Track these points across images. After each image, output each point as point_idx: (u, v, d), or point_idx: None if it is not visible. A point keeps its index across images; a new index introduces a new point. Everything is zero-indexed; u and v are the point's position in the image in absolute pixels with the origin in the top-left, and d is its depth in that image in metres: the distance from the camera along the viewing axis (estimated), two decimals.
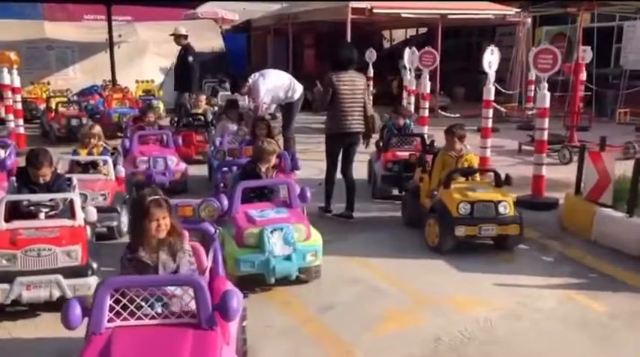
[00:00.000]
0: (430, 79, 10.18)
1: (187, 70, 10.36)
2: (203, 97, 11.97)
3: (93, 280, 3.90)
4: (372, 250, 5.34)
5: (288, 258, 4.28)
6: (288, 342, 3.72)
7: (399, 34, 22.29)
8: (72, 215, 4.19)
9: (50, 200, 4.31)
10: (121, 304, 2.56)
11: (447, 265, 5.00)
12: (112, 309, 2.54)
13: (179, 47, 10.92)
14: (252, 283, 4.34)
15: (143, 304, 2.58)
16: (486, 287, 4.57)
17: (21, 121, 10.14)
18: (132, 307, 2.55)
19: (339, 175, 6.43)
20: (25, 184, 4.49)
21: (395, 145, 7.25)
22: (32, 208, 4.25)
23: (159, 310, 2.63)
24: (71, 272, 3.90)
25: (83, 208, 4.31)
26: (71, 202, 4.25)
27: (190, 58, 10.33)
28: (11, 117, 9.94)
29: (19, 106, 10.24)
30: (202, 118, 9.88)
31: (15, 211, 4.22)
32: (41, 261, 3.88)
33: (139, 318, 2.57)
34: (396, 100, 12.89)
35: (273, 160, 5.20)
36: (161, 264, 2.88)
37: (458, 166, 5.69)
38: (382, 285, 4.61)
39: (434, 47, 10.76)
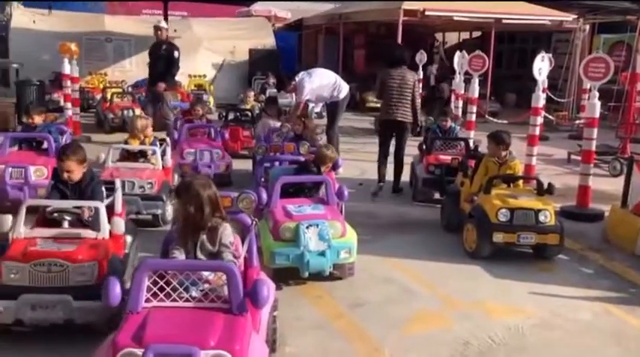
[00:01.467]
0: (481, 85, 10.07)
1: (171, 66, 9.51)
2: (251, 94, 12.22)
3: (104, 305, 3.27)
4: (407, 251, 5.35)
5: (322, 254, 4.36)
6: (317, 335, 3.79)
7: (452, 38, 22.04)
8: (97, 226, 3.78)
9: (75, 207, 3.87)
10: (158, 285, 2.69)
11: (482, 271, 4.97)
12: (149, 290, 2.67)
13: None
14: (286, 277, 4.43)
15: (179, 286, 2.70)
16: (521, 295, 4.53)
17: (78, 110, 10.56)
18: (168, 289, 2.68)
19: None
20: (57, 184, 4.08)
21: (438, 149, 7.23)
22: (56, 215, 3.83)
23: (193, 293, 2.75)
24: (83, 293, 3.38)
25: (110, 218, 3.86)
26: (96, 211, 3.83)
27: (177, 54, 9.58)
28: (69, 105, 10.38)
29: (77, 95, 10.67)
30: (249, 113, 10.08)
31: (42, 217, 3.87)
32: (51, 278, 3.41)
33: (174, 300, 2.70)
34: (444, 103, 12.79)
35: (331, 164, 5.46)
36: (199, 246, 3.00)
37: (501, 172, 5.64)
38: (414, 287, 4.63)
39: (487, 52, 10.64)
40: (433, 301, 4.38)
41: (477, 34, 20.09)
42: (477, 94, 9.62)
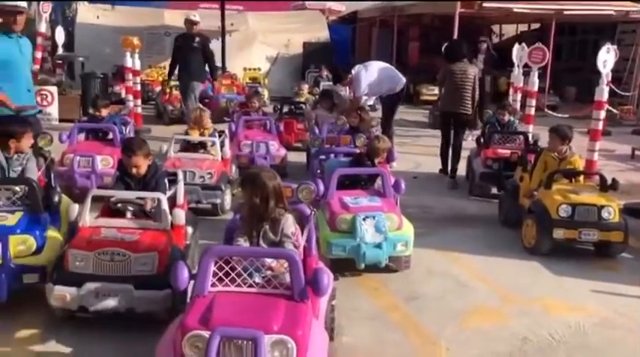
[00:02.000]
0: (540, 78, 9.81)
1: (211, 58, 9.41)
2: (305, 86, 12.30)
3: (165, 295, 3.45)
4: (464, 246, 5.31)
5: (378, 246, 4.38)
6: (373, 326, 3.82)
7: (510, 30, 21.52)
8: (159, 217, 3.86)
9: (138, 198, 3.96)
10: (224, 271, 2.78)
11: (541, 267, 4.88)
12: (215, 275, 2.77)
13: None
14: (343, 268, 4.47)
15: (243, 272, 2.78)
16: (582, 293, 4.42)
17: (139, 102, 10.90)
18: (233, 274, 2.77)
19: None
20: (122, 176, 4.16)
21: (496, 143, 7.11)
22: (120, 205, 3.92)
23: (257, 279, 2.83)
24: (143, 282, 3.45)
25: (171, 210, 3.92)
26: (158, 202, 3.91)
27: (211, 46, 9.44)
28: (130, 97, 10.73)
29: (138, 87, 11.01)
30: (304, 106, 10.16)
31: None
32: (114, 266, 3.48)
33: (239, 285, 2.79)
34: (502, 97, 12.52)
35: (384, 155, 5.44)
36: (262, 235, 3.09)
37: (560, 168, 5.50)
38: (471, 281, 4.59)
39: (546, 44, 10.35)
40: (490, 296, 4.34)
41: (535, 25, 19.53)
42: (536, 88, 9.38)
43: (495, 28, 21.66)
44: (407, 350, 3.54)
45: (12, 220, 3.81)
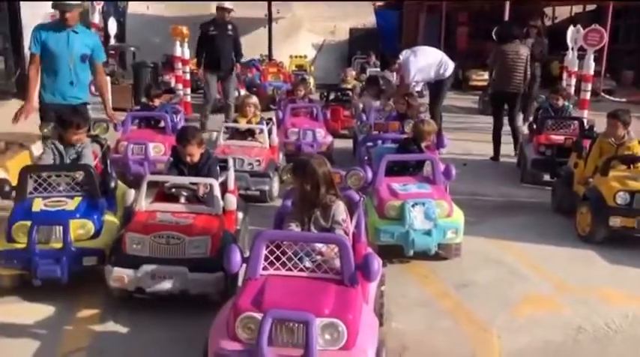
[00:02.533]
0: (595, 61, 9.46)
1: (238, 48, 9.17)
2: (352, 73, 12.24)
3: (217, 277, 3.53)
4: (515, 234, 5.20)
5: (428, 233, 4.34)
6: (423, 313, 3.80)
7: (563, 12, 20.78)
8: (211, 202, 3.95)
9: (192, 183, 4.06)
10: (275, 255, 2.82)
11: (597, 256, 4.74)
12: (266, 259, 2.81)
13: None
14: (391, 254, 4.45)
15: (293, 256, 2.81)
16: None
17: (188, 91, 11.10)
18: (284, 258, 2.81)
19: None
20: (176, 163, 4.24)
21: (550, 128, 6.92)
22: (174, 190, 4.03)
23: (307, 264, 2.86)
24: (197, 265, 3.54)
25: (223, 195, 4.00)
26: (211, 187, 4.00)
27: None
28: (180, 86, 10.93)
29: (187, 76, 11.20)
30: (350, 93, 10.12)
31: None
32: (169, 249, 3.58)
33: (289, 269, 2.82)
34: (555, 81, 12.15)
35: (430, 139, 5.36)
36: (313, 221, 3.12)
37: (618, 153, 5.31)
38: (523, 269, 4.50)
39: (603, 26, 9.94)
40: (543, 285, 4.25)
41: (591, 7, 18.81)
42: (592, 71, 9.05)
43: (548, 10, 20.96)
44: (458, 337, 3.51)
45: (71, 205, 3.96)
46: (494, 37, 8.37)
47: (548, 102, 7.45)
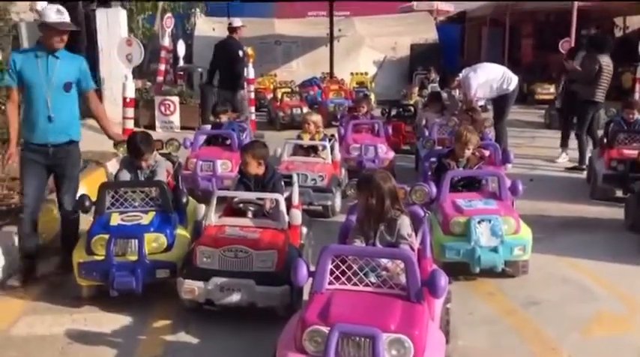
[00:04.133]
0: None
1: (240, 67, 9.43)
2: (415, 89, 12.22)
3: (283, 290, 3.62)
4: (585, 251, 5.03)
5: (494, 249, 4.27)
6: (489, 331, 3.74)
7: (634, 21, 19.98)
8: (277, 217, 4.05)
9: (259, 199, 4.18)
10: (340, 269, 2.87)
11: None
12: (332, 273, 2.87)
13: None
14: (457, 271, 4.40)
15: (359, 271, 2.85)
16: None
17: (253, 109, 11.39)
18: (349, 273, 2.85)
19: None
20: (241, 178, 4.41)
21: (622, 142, 6.68)
22: (241, 205, 4.17)
23: (372, 279, 2.89)
24: (264, 279, 3.64)
25: (288, 210, 4.08)
26: (277, 203, 4.10)
27: (241, 53, 9.36)
28: (245, 104, 11.21)
29: (252, 95, 11.51)
30: (412, 109, 10.11)
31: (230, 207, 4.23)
32: (237, 263, 3.69)
33: (355, 284, 2.86)
34: (627, 94, 11.70)
35: (470, 150, 5.13)
36: (378, 236, 3.15)
37: None
38: (594, 288, 4.36)
39: None
40: (616, 304, 4.10)
41: None
42: None
43: (618, 20, 20.22)
44: (526, 356, 3.43)
45: (146, 219, 4.16)
46: (588, 46, 8.18)
47: (621, 115, 7.19)
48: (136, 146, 4.60)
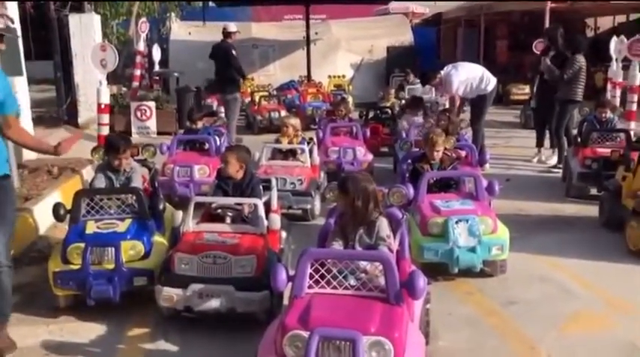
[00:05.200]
0: None
1: (235, 70, 9.37)
2: (392, 91, 12.27)
3: (263, 296, 3.60)
4: (563, 250, 5.10)
5: (472, 250, 4.30)
6: (469, 331, 3.76)
7: (605, 22, 20.37)
8: (256, 222, 4.01)
9: (237, 204, 4.15)
10: (320, 273, 2.86)
11: None
12: (311, 277, 2.85)
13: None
14: (435, 272, 4.42)
15: (338, 274, 2.85)
16: None
17: None
18: (329, 276, 2.84)
19: None
20: (219, 183, 4.40)
21: (595, 141, 6.79)
22: (219, 211, 4.14)
23: (352, 282, 2.88)
24: (243, 284, 3.61)
25: (267, 215, 4.07)
26: (255, 207, 4.08)
27: (235, 57, 9.42)
28: (222, 109, 11.14)
29: None
30: (389, 111, 10.15)
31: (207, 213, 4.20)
32: (216, 269, 3.66)
33: (334, 287, 2.85)
34: (599, 93, 11.91)
35: (440, 151, 5.21)
36: (358, 239, 3.15)
37: None
38: (572, 286, 4.41)
39: None
40: (594, 302, 4.15)
41: (634, 16, 18.38)
42: (638, 82, 8.85)
43: (589, 21, 20.59)
44: (506, 356, 3.46)
45: (122, 226, 4.10)
46: (564, 47, 8.17)
47: (594, 115, 7.31)
48: (115, 143, 4.56)
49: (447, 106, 8.47)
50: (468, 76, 7.93)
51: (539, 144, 8.64)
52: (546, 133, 8.51)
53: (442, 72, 8.00)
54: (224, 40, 9.59)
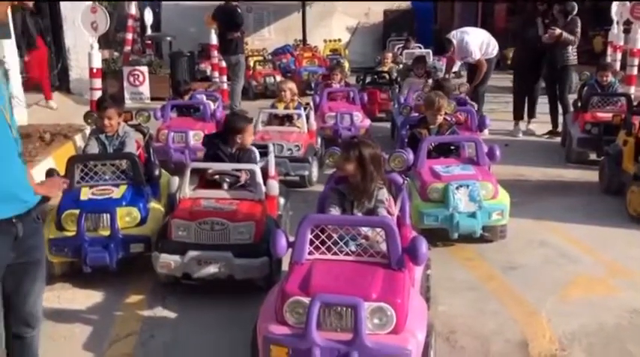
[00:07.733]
0: None
1: (238, 31, 9.39)
2: (389, 55, 12.08)
3: (262, 262, 3.55)
4: (562, 215, 5.07)
5: (472, 215, 4.26)
6: (469, 296, 3.74)
7: None
8: (254, 188, 3.94)
9: (234, 170, 4.06)
10: (320, 239, 2.80)
11: None
12: (311, 243, 2.80)
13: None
14: (435, 237, 4.38)
15: (339, 240, 2.79)
16: None
17: (224, 78, 11.15)
18: (329, 242, 2.79)
19: None
20: (214, 151, 4.23)
21: (596, 106, 6.70)
22: (216, 177, 4.04)
23: (353, 248, 2.83)
24: (242, 251, 3.56)
25: (265, 181, 4.00)
26: (252, 174, 4.00)
27: (239, 18, 9.44)
28: (216, 74, 10.98)
29: (223, 64, 11.23)
30: (387, 76, 10.00)
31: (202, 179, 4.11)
32: (214, 235, 3.60)
33: (335, 254, 2.80)
34: (598, 57, 11.76)
35: (442, 116, 5.10)
36: (358, 204, 3.08)
37: None
38: (573, 251, 4.39)
39: None
40: (594, 267, 4.13)
41: None
42: (639, 46, 8.69)
43: None
44: (506, 320, 3.44)
45: (118, 193, 4.03)
46: (558, 12, 8.00)
47: (595, 79, 7.20)
48: (103, 99, 4.52)
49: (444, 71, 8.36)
50: (482, 39, 7.86)
51: (519, 116, 8.26)
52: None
53: (454, 40, 7.88)
54: (228, 3, 9.48)
